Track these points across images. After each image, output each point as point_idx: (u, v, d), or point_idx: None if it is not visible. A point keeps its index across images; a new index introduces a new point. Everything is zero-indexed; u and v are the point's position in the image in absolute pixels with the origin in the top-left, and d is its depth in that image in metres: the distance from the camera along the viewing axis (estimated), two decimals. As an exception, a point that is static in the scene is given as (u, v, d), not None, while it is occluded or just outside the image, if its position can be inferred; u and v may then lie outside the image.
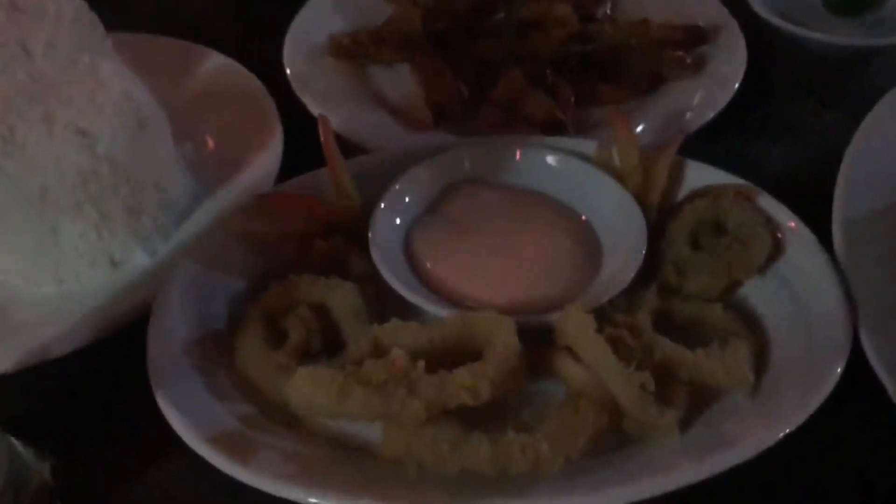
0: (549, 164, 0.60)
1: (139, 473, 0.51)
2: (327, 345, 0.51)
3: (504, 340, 0.46)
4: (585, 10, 0.77)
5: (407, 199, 0.58)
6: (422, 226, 0.58)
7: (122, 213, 0.57)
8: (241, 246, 0.57)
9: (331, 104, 0.69)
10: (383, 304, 0.53)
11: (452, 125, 0.70)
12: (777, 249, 0.55)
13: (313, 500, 0.42)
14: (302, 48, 0.75)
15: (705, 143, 0.65)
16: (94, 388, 0.54)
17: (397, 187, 0.58)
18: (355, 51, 0.76)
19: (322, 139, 0.58)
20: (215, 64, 0.74)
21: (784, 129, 0.72)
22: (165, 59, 0.73)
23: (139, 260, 0.58)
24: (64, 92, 0.57)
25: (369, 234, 0.55)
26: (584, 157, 0.60)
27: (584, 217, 0.58)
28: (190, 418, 0.46)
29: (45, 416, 0.53)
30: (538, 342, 0.49)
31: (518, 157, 0.60)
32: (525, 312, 0.51)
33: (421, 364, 0.44)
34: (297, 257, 0.56)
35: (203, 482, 0.47)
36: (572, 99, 0.70)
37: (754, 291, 0.54)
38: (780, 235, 0.55)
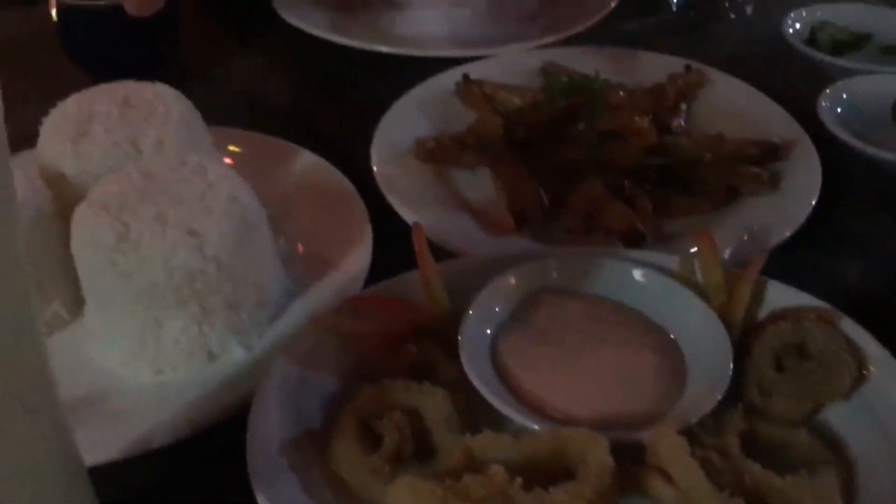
0: (635, 277, 0.61)
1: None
2: (418, 449, 0.53)
3: (599, 460, 0.47)
4: (662, 123, 0.80)
5: (494, 307, 0.60)
6: (508, 333, 0.59)
7: (222, 308, 0.60)
8: (334, 345, 0.59)
9: (416, 205, 0.72)
10: (472, 410, 0.54)
11: (533, 230, 0.72)
12: (861, 375, 0.55)
13: None
14: (388, 150, 0.79)
15: (781, 259, 0.66)
16: (190, 479, 0.56)
17: (485, 294, 0.60)
18: (439, 154, 0.79)
19: (416, 246, 0.60)
20: (307, 163, 0.77)
21: (860, 247, 0.73)
22: (259, 156, 0.78)
23: (235, 354, 0.61)
24: (175, 192, 0.61)
25: (458, 340, 0.57)
26: (668, 272, 0.62)
27: (668, 332, 0.59)
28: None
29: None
30: (625, 457, 0.50)
31: (603, 268, 0.62)
32: (611, 427, 0.52)
33: (518, 481, 0.45)
34: (388, 359, 0.58)
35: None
36: (650, 209, 0.72)
37: (839, 416, 0.55)
38: (863, 361, 0.56)
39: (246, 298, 0.61)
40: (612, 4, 1.04)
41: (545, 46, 0.96)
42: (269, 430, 0.53)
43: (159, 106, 0.69)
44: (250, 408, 0.54)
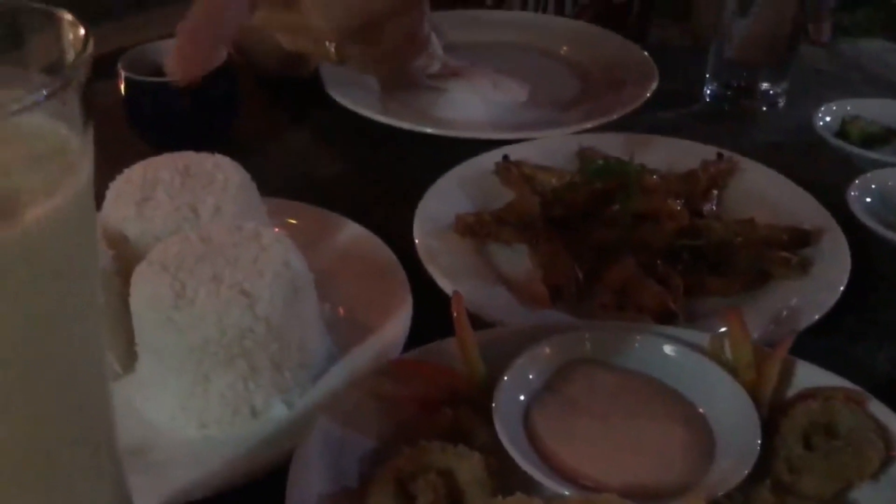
0: (666, 353, 0.63)
1: None
2: (451, 511, 0.55)
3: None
4: (694, 207, 0.83)
5: (529, 375, 0.62)
6: (541, 402, 0.61)
7: (268, 367, 0.63)
8: (373, 407, 0.61)
9: (455, 276, 0.75)
10: (505, 475, 0.56)
11: (567, 304, 0.75)
12: (889, 456, 0.56)
13: None
14: (430, 223, 0.83)
15: (809, 341, 0.67)
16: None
17: (520, 363, 0.62)
18: (479, 229, 0.82)
19: (455, 314, 0.63)
20: (353, 233, 0.81)
21: (887, 331, 0.75)
22: (308, 226, 0.81)
23: (278, 412, 0.63)
24: (230, 254, 0.64)
25: (493, 407, 0.59)
26: (698, 349, 0.64)
27: (697, 407, 0.61)
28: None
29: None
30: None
31: (636, 343, 0.64)
32: (640, 497, 0.53)
33: (548, 542, 0.47)
34: (424, 421, 0.60)
35: None
36: (682, 289, 0.74)
37: (867, 497, 0.55)
38: (891, 442, 0.57)
39: (291, 358, 0.64)
40: (647, 95, 1.08)
41: (581, 132, 1.00)
42: (308, 487, 0.55)
43: (218, 175, 0.73)
44: (290, 464, 0.56)
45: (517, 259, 0.81)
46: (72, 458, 0.40)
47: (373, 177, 0.98)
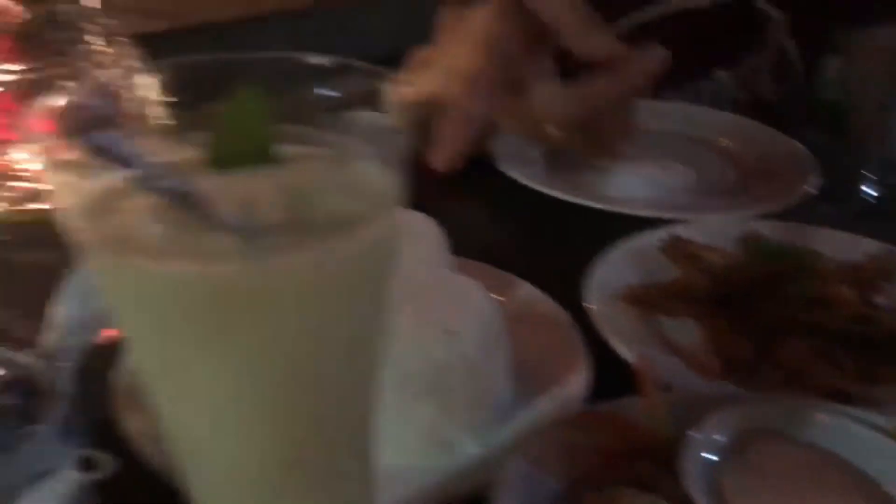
0: (849, 431, 0.65)
1: None
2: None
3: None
4: (866, 296, 0.84)
5: (714, 436, 0.64)
6: (726, 463, 0.63)
7: (463, 404, 0.68)
8: (558, 453, 0.65)
9: (629, 342, 0.79)
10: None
11: (737, 379, 0.77)
12: None
13: None
14: (601, 291, 0.87)
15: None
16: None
17: (708, 424, 0.65)
18: (648, 301, 0.86)
19: (640, 375, 0.66)
20: (527, 293, 0.86)
21: None
22: (487, 283, 0.87)
23: (469, 448, 0.68)
24: (432, 296, 0.70)
25: (682, 463, 0.62)
26: (881, 430, 0.65)
27: (881, 486, 0.62)
28: None
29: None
30: None
31: (819, 418, 0.66)
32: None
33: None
34: (607, 471, 0.63)
35: None
36: (855, 374, 0.76)
37: None
38: None
39: (484, 399, 0.69)
40: (806, 187, 1.11)
41: (743, 219, 1.03)
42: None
43: (417, 227, 0.80)
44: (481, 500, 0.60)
45: (684, 332, 0.84)
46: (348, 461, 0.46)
47: (539, 245, 1.04)
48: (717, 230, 1.00)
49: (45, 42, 0.82)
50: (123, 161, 0.33)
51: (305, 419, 0.42)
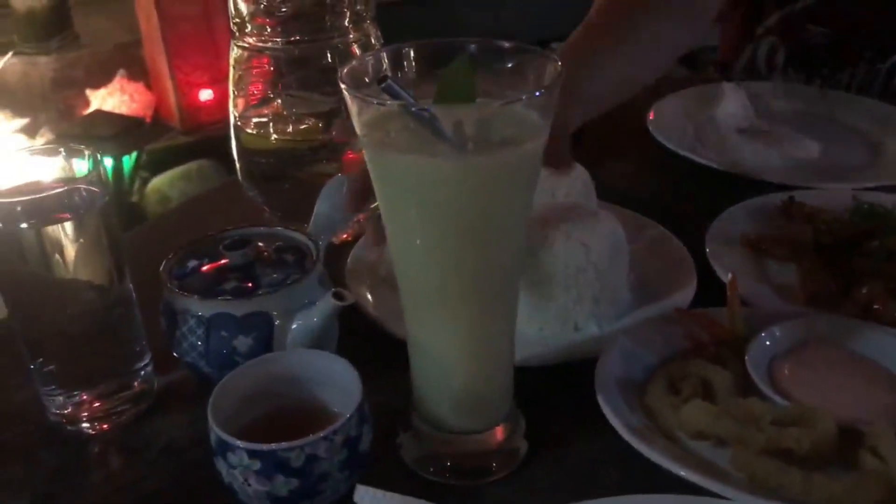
0: (888, 342, 0.84)
1: None
2: (704, 405, 0.80)
3: (825, 426, 0.71)
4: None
5: (777, 335, 0.86)
6: (782, 356, 0.84)
7: (590, 299, 0.93)
8: (658, 337, 0.88)
9: (729, 271, 1.00)
10: (747, 394, 0.80)
11: (818, 309, 0.96)
12: None
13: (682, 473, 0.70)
14: (719, 236, 1.08)
15: None
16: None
17: (774, 328, 0.86)
18: (759, 245, 1.07)
19: (729, 288, 0.88)
20: (654, 230, 1.09)
21: None
22: (621, 219, 1.11)
23: (592, 330, 0.93)
24: (576, 219, 0.95)
25: (747, 348, 0.83)
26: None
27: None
28: (620, 415, 0.77)
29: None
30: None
31: (868, 333, 0.85)
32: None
33: (768, 416, 0.71)
34: (693, 351, 0.86)
35: None
36: (918, 312, 0.93)
37: None
38: None
39: (605, 297, 0.93)
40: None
41: (860, 189, 1.19)
42: (610, 375, 0.83)
43: (575, 173, 1.05)
44: (597, 360, 0.85)
45: (785, 275, 1.04)
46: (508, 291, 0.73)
47: (676, 201, 1.25)
48: (834, 199, 1.18)
49: (311, 20, 1.12)
50: (394, 96, 0.61)
51: (483, 261, 0.69)
